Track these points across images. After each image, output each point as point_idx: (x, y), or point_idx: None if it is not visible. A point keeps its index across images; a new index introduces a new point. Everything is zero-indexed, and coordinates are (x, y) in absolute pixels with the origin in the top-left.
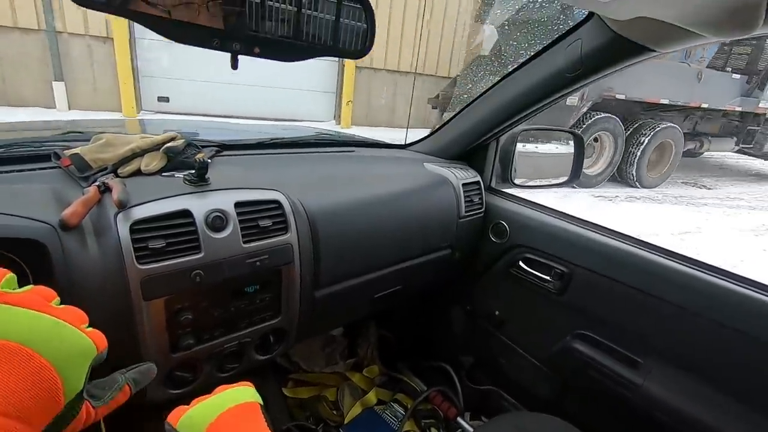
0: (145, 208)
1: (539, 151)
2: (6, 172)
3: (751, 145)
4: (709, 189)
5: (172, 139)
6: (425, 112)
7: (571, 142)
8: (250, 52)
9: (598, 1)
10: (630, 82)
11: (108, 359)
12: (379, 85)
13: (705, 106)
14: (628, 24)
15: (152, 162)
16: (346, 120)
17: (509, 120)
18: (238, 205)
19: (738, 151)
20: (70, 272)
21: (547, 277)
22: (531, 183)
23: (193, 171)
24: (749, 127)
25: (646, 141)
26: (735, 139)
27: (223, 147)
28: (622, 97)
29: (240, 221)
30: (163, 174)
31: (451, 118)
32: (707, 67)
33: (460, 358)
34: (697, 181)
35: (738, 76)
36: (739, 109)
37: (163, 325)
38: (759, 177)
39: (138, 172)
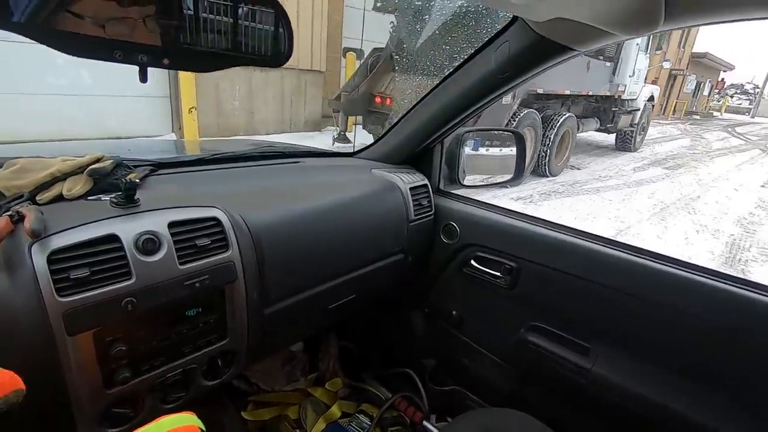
0: (65, 236)
1: (487, 153)
2: None
3: (612, 124)
4: (580, 169)
5: (98, 160)
6: (303, 111)
7: (513, 142)
8: (158, 64)
9: (513, 4)
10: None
11: (32, 402)
12: (228, 84)
13: (590, 93)
14: (548, 25)
15: (75, 186)
16: (191, 131)
17: (450, 122)
18: (171, 225)
19: (597, 130)
20: None
21: (498, 273)
22: (477, 183)
23: (120, 193)
24: (613, 108)
25: (554, 132)
26: (597, 119)
27: (158, 165)
28: (541, 91)
29: (175, 242)
30: (89, 198)
31: (395, 124)
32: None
33: (423, 361)
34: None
35: (609, 63)
36: (608, 93)
37: (93, 360)
38: (603, 149)
39: (60, 198)
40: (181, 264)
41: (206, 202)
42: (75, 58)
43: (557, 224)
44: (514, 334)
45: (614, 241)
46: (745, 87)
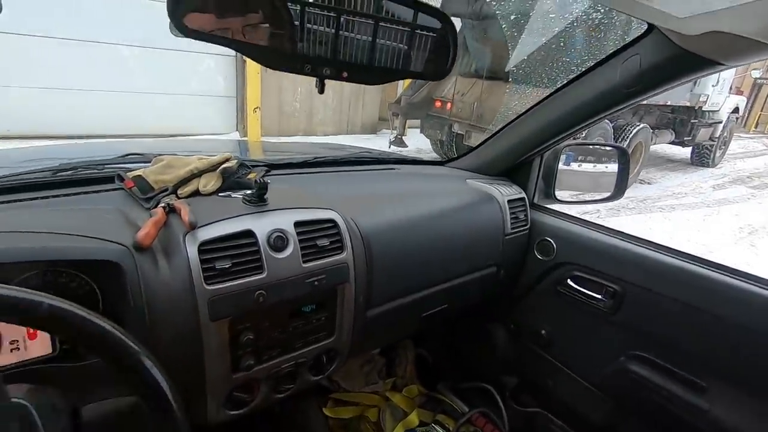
0: (211, 229)
1: (579, 169)
2: (74, 194)
3: (690, 137)
4: (651, 184)
5: (227, 159)
6: (360, 114)
7: (614, 158)
8: (338, 77)
9: (668, 15)
10: None
11: (176, 378)
12: (290, 85)
13: (668, 103)
14: (696, 38)
15: (209, 183)
16: (254, 131)
17: (558, 136)
18: (297, 224)
19: (671, 143)
20: (144, 292)
21: (599, 296)
22: (574, 199)
23: (252, 191)
24: (692, 120)
25: (626, 143)
26: (672, 131)
27: (271, 167)
28: None
29: (300, 241)
30: (220, 194)
31: (493, 135)
32: None
33: (503, 378)
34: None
35: None
36: (688, 104)
37: (227, 345)
38: (676, 163)
39: (196, 193)
40: (304, 262)
41: (322, 204)
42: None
43: (665, 246)
44: (612, 362)
45: (731, 268)
46: None
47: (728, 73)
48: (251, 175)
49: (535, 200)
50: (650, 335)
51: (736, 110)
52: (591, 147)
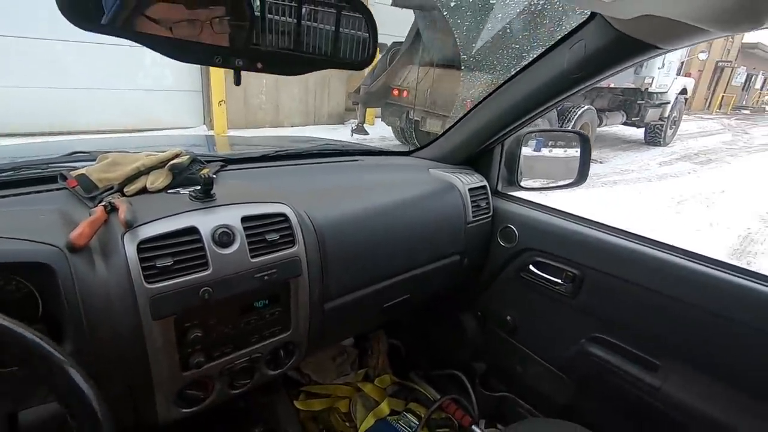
0: (152, 227)
1: (550, 155)
2: (13, 195)
3: (638, 118)
4: (602, 163)
5: (177, 155)
6: (326, 104)
7: (576, 144)
8: (252, 68)
9: (601, 1)
10: None
11: (120, 378)
12: (255, 79)
13: (612, 85)
14: (633, 22)
15: (158, 180)
16: (220, 124)
17: (514, 123)
18: (244, 219)
19: (624, 123)
20: (79, 293)
21: (559, 280)
22: (537, 185)
23: (199, 187)
24: (639, 101)
25: (571, 124)
26: (622, 112)
27: (227, 161)
28: None
29: (247, 236)
30: (169, 191)
31: (454, 124)
32: None
33: (473, 365)
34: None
35: None
36: (633, 85)
37: (173, 344)
38: (631, 143)
39: (144, 190)
40: (252, 257)
41: (274, 198)
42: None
43: (625, 231)
44: (573, 345)
45: (688, 251)
46: None
47: (675, 56)
48: (204, 171)
49: (499, 188)
50: (608, 317)
51: (684, 91)
52: (552, 133)
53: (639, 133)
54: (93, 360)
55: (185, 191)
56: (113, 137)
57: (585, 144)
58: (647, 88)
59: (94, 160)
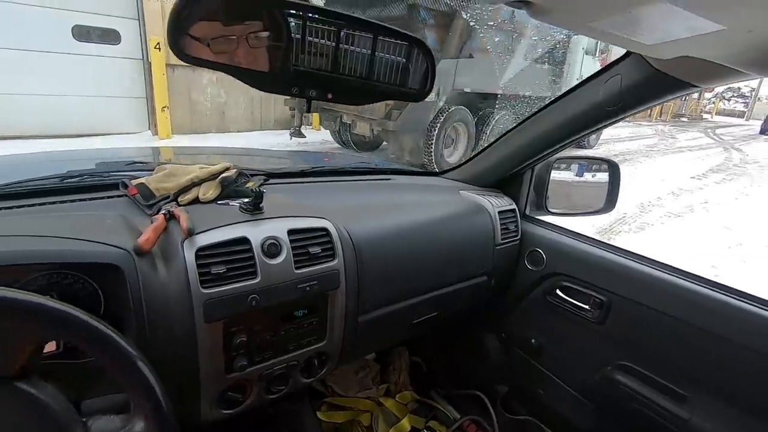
0: (208, 236)
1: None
2: (80, 200)
3: None
4: None
5: (227, 169)
6: (272, 111)
7: (596, 171)
8: (323, 97)
9: (640, 43)
10: (474, 76)
11: (171, 377)
12: (199, 87)
13: (528, 94)
14: (671, 62)
15: (209, 191)
16: (165, 129)
17: (547, 150)
18: (291, 232)
19: None
20: (142, 294)
21: (586, 306)
22: (565, 211)
23: (249, 200)
24: None
25: (489, 129)
26: None
27: (269, 176)
28: (468, 90)
29: (293, 248)
30: (218, 202)
31: (485, 148)
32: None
33: (494, 386)
34: None
35: (546, 65)
36: (547, 94)
37: (220, 347)
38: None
39: (196, 200)
40: (296, 268)
41: (315, 212)
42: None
43: (654, 260)
44: (599, 371)
45: (720, 284)
46: (741, 90)
47: (593, 67)
48: (249, 184)
49: (527, 212)
50: (636, 345)
51: None
52: (581, 160)
53: None
54: (150, 358)
55: (234, 203)
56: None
57: (614, 171)
58: None
59: (151, 170)
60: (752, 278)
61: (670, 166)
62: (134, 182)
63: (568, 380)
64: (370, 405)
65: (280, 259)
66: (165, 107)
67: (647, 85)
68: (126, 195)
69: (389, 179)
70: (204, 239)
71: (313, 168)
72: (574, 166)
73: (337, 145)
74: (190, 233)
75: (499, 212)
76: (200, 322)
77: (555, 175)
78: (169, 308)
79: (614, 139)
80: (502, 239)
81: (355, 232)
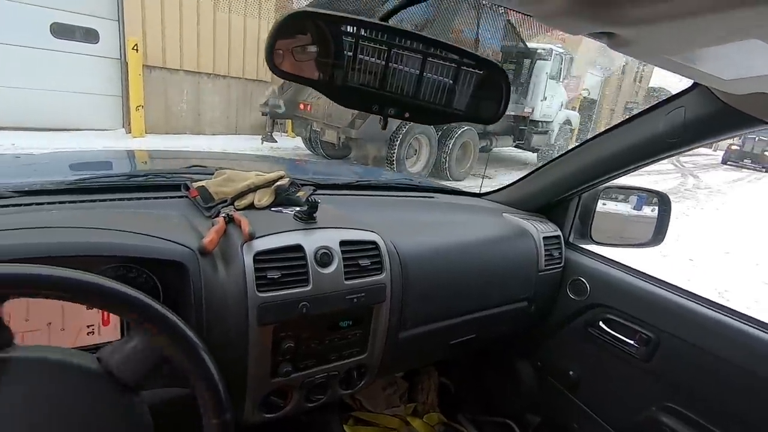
0: (265, 241)
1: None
2: (145, 198)
3: (523, 141)
4: (491, 178)
5: (281, 177)
6: (248, 116)
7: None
8: (401, 116)
9: (716, 77)
10: None
11: (224, 376)
12: (176, 88)
13: None
14: (743, 97)
15: (264, 197)
16: (138, 128)
17: (598, 178)
18: (342, 243)
19: (515, 146)
20: (203, 293)
21: (631, 341)
22: (610, 241)
23: (303, 208)
24: (521, 127)
25: (452, 142)
26: (513, 136)
27: (317, 186)
28: None
29: (343, 259)
30: (272, 209)
31: (532, 172)
32: None
33: (526, 416)
34: (480, 172)
35: (512, 87)
36: (512, 113)
37: (269, 351)
38: (528, 166)
39: (251, 206)
40: (346, 279)
41: (363, 225)
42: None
43: (706, 299)
44: (642, 411)
45: None
46: None
47: (556, 91)
48: (300, 193)
49: (571, 239)
50: (685, 388)
51: (568, 122)
52: (630, 190)
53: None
54: None
55: (287, 210)
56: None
57: (665, 204)
58: (528, 116)
59: (211, 174)
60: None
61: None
62: (195, 185)
63: (607, 418)
64: (396, 423)
65: (331, 269)
66: (140, 106)
67: (713, 119)
68: (187, 197)
69: (432, 197)
70: (262, 244)
71: (358, 181)
72: (633, 198)
73: (308, 151)
74: (251, 237)
75: (544, 237)
76: (253, 324)
77: (611, 206)
78: (226, 308)
79: None
80: (546, 265)
81: (402, 247)
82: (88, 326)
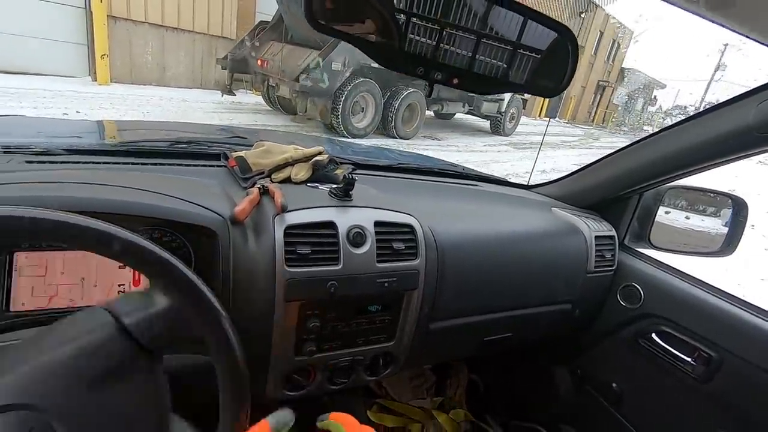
0: (297, 215)
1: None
2: (186, 165)
3: (473, 107)
4: (440, 140)
5: (320, 153)
6: (213, 72)
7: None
8: (449, 82)
9: None
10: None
11: (244, 348)
12: (142, 39)
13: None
14: None
15: (301, 172)
16: (104, 76)
17: (665, 176)
18: (377, 224)
19: (467, 113)
20: (231, 263)
21: (689, 359)
22: (672, 247)
23: (340, 185)
24: (470, 94)
25: (398, 102)
26: (464, 102)
27: (357, 165)
28: (375, 65)
29: (377, 240)
30: (308, 184)
31: (588, 165)
32: None
33: (560, 426)
34: (433, 134)
35: None
36: None
37: (294, 328)
38: (482, 131)
39: (287, 180)
40: (378, 262)
41: (401, 208)
42: None
43: None
44: None
45: None
46: (687, 109)
47: None
48: (338, 171)
49: (626, 241)
50: (748, 415)
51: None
52: (699, 192)
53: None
54: None
55: (323, 187)
56: None
57: (740, 209)
58: None
59: (250, 145)
60: None
61: (563, 155)
62: (234, 155)
63: None
64: (421, 415)
65: (363, 250)
66: (104, 55)
67: None
68: (225, 166)
69: (477, 185)
70: (294, 218)
71: (399, 164)
72: (725, 211)
73: (268, 107)
74: (284, 209)
75: (596, 237)
76: (280, 299)
77: (696, 221)
78: (254, 280)
79: (539, 134)
80: (595, 267)
81: (440, 234)
82: (119, 284)
